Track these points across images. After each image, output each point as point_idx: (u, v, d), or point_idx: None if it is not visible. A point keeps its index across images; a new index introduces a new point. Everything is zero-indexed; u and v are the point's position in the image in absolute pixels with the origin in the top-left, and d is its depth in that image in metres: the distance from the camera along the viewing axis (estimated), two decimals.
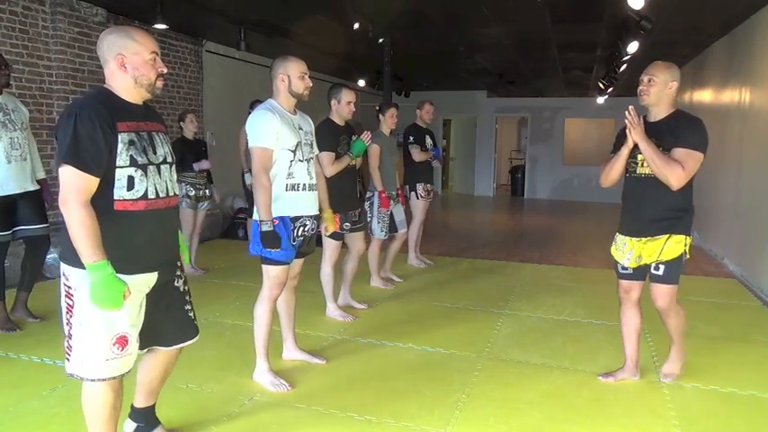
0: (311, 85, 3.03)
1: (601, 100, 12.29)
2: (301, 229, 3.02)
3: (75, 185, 1.87)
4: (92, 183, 1.89)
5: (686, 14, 6.04)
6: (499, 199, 14.52)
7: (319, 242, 3.72)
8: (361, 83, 10.51)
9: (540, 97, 14.03)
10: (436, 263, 6.30)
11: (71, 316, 1.98)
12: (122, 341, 1.99)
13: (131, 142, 1.97)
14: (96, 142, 1.89)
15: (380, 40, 7.37)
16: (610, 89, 9.99)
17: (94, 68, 6.12)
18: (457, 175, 15.93)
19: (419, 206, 5.80)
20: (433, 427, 2.72)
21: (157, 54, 2.06)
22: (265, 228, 2.86)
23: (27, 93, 5.52)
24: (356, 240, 4.34)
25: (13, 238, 3.87)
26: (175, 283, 2.23)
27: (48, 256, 5.33)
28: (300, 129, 3.03)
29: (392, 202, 5.09)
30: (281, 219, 2.94)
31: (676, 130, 2.87)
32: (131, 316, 2.01)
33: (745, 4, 5.66)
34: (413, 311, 4.55)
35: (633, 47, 6.55)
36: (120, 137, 1.94)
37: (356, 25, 6.49)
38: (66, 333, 2.01)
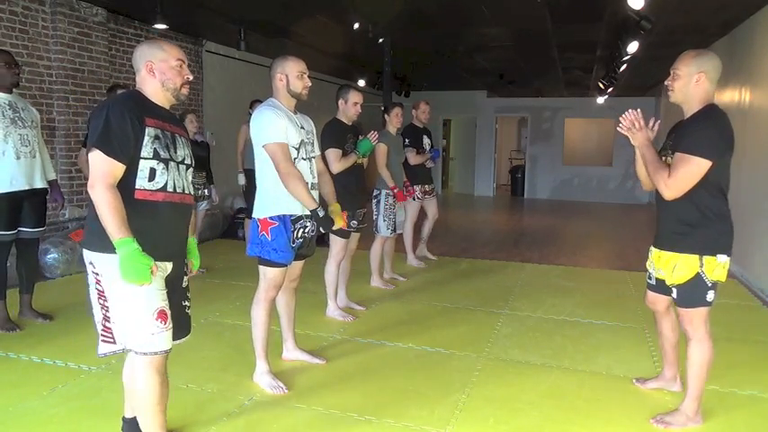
0: (310, 84, 3.02)
1: (601, 100, 12.29)
2: (301, 230, 3.01)
3: (102, 169, 2.00)
4: (118, 169, 2.03)
5: (686, 14, 6.04)
6: (499, 199, 14.52)
7: (320, 242, 3.73)
8: (361, 83, 10.51)
9: (540, 97, 14.04)
10: (436, 263, 6.30)
11: (105, 300, 2.11)
12: (163, 315, 2.12)
13: (156, 137, 2.12)
14: (125, 132, 2.04)
15: (380, 41, 7.37)
16: (610, 89, 9.99)
17: (94, 68, 6.13)
18: (457, 175, 15.94)
19: (413, 207, 5.85)
20: (433, 426, 2.72)
21: (183, 62, 2.23)
22: (321, 213, 2.94)
23: (27, 93, 5.52)
24: (352, 241, 4.35)
25: (16, 237, 3.89)
26: (182, 284, 2.32)
27: (48, 257, 5.36)
28: (302, 128, 3.04)
29: (395, 199, 5.13)
30: (282, 218, 2.93)
31: (686, 131, 2.57)
32: (162, 292, 2.13)
33: (745, 3, 5.66)
34: (413, 311, 4.55)
35: (633, 47, 6.55)
36: (147, 130, 2.09)
37: (356, 25, 6.50)
38: (101, 318, 2.14)
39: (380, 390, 3.12)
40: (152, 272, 2.00)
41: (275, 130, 2.88)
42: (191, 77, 2.25)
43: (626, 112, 2.66)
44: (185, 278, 2.35)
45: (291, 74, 2.97)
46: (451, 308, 4.67)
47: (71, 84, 5.88)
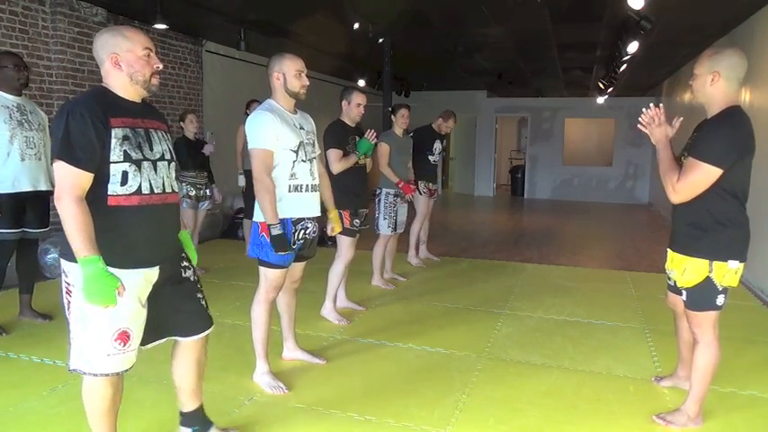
0: (308, 83, 2.98)
1: (601, 100, 12.30)
2: (302, 231, 2.99)
3: (68, 181, 1.88)
4: (85, 178, 1.90)
5: (686, 14, 6.04)
6: (499, 199, 14.52)
7: (320, 243, 3.72)
8: (361, 83, 10.51)
9: (540, 97, 14.05)
10: (438, 262, 6.30)
11: (70, 312, 1.99)
12: (124, 337, 1.99)
13: (125, 137, 1.97)
14: (88, 138, 1.89)
15: (380, 41, 7.38)
16: (610, 89, 9.99)
17: (94, 68, 6.09)
18: (457, 175, 15.93)
19: (422, 202, 5.93)
20: (433, 426, 2.72)
21: (151, 50, 2.05)
22: (275, 231, 2.82)
23: (27, 93, 5.50)
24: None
25: (21, 237, 3.89)
26: (183, 275, 2.22)
27: (48, 257, 5.36)
28: (302, 128, 2.99)
29: (398, 199, 5.15)
30: (283, 221, 2.90)
31: (701, 134, 2.51)
32: (132, 312, 2.00)
33: (745, 3, 5.66)
34: (413, 311, 4.55)
35: (633, 47, 6.55)
36: (113, 132, 1.94)
37: (356, 25, 6.50)
38: (69, 329, 2.02)
39: (381, 390, 3.11)
40: (118, 293, 1.88)
41: (264, 135, 2.84)
42: (160, 66, 2.07)
43: (648, 108, 2.60)
44: (190, 272, 2.25)
45: (289, 72, 2.92)
46: (452, 308, 4.67)
47: (71, 84, 5.88)
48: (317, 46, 7.98)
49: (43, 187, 3.92)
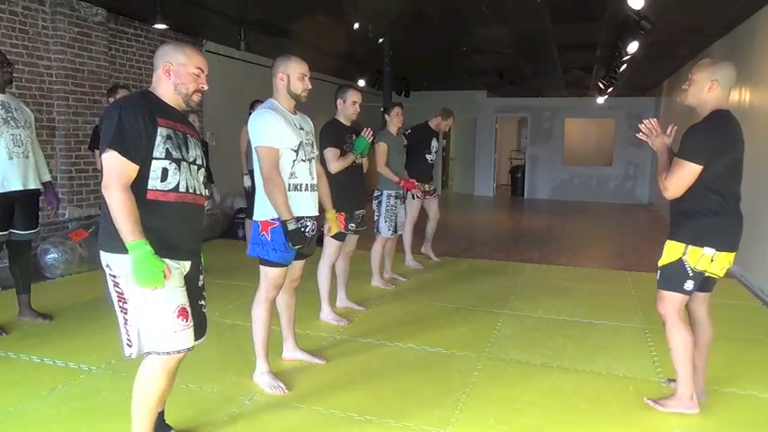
0: (310, 87, 3.01)
1: (601, 100, 12.30)
2: (302, 230, 3.00)
3: (117, 170, 2.00)
4: (132, 169, 2.03)
5: (686, 14, 6.04)
6: (499, 199, 14.53)
7: (318, 242, 3.73)
8: (361, 83, 10.51)
9: (540, 97, 14.05)
10: (438, 262, 6.30)
11: (124, 302, 2.08)
12: (184, 313, 2.12)
13: (168, 137, 2.11)
14: (138, 132, 2.03)
15: (380, 41, 7.38)
16: (610, 89, 10.00)
17: (94, 68, 6.13)
18: (457, 175, 15.93)
19: (414, 206, 5.83)
20: (433, 426, 2.72)
21: (203, 71, 2.23)
22: (291, 226, 2.86)
23: (27, 93, 5.53)
24: (350, 241, 4.35)
25: (7, 239, 3.87)
26: (198, 283, 2.32)
27: (48, 257, 5.36)
28: (301, 129, 3.02)
29: (399, 201, 5.14)
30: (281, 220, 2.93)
31: (685, 135, 2.73)
32: (183, 291, 2.14)
33: (746, 3, 5.66)
34: (413, 311, 4.55)
35: (633, 47, 6.55)
36: (159, 130, 2.09)
37: (356, 25, 6.50)
38: (122, 321, 2.11)
39: (381, 390, 3.11)
40: (164, 275, 2.00)
41: (268, 133, 2.87)
42: (205, 87, 2.24)
43: (645, 121, 2.89)
44: (201, 277, 2.34)
45: (293, 75, 2.95)
46: (452, 308, 4.67)
47: (71, 84, 5.88)
48: (317, 46, 7.98)
49: (32, 186, 3.90)
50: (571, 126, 14.65)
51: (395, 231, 5.16)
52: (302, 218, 2.99)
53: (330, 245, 4.12)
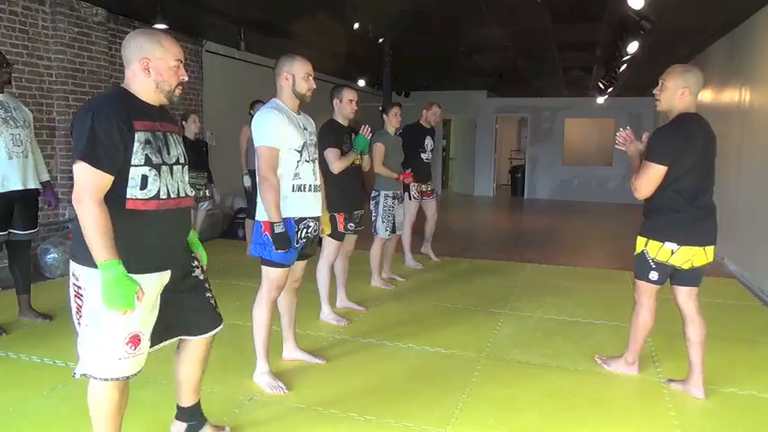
0: (314, 86, 3.01)
1: (601, 100, 12.29)
2: (305, 230, 3.00)
3: (90, 183, 1.85)
4: (106, 180, 1.88)
5: (686, 14, 6.03)
6: (499, 199, 14.53)
7: (319, 242, 3.73)
8: (361, 83, 10.51)
9: (540, 97, 14.04)
10: (438, 262, 6.30)
11: (81, 316, 1.97)
12: (135, 340, 1.98)
13: (147, 141, 1.97)
14: (112, 140, 1.88)
15: (380, 41, 7.38)
16: (610, 89, 9.99)
17: (94, 68, 6.12)
18: (457, 175, 15.94)
19: (411, 207, 5.79)
20: (433, 426, 2.72)
21: (181, 62, 2.07)
22: (278, 229, 2.84)
23: (27, 93, 5.53)
24: (348, 241, 4.35)
25: (7, 239, 3.87)
26: (193, 274, 2.23)
27: (48, 257, 5.36)
28: (305, 129, 3.02)
29: (396, 201, 5.13)
30: (286, 220, 2.91)
31: (651, 138, 2.97)
32: (143, 316, 1.99)
33: (746, 3, 5.66)
34: (413, 311, 4.55)
35: (633, 47, 6.55)
36: (136, 135, 1.94)
37: (356, 25, 6.49)
38: (77, 333, 2.01)
39: (380, 390, 3.11)
40: (137, 297, 1.88)
41: (271, 133, 2.86)
42: (185, 78, 2.09)
43: (619, 131, 3.15)
44: (198, 271, 2.26)
45: (298, 74, 2.94)
46: (451, 308, 4.67)
47: (71, 84, 5.88)
48: (317, 46, 7.98)
49: (32, 185, 3.90)
50: (571, 126, 14.65)
51: (392, 232, 5.14)
52: (304, 218, 3.00)
53: (329, 245, 4.12)
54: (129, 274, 1.88)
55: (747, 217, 5.87)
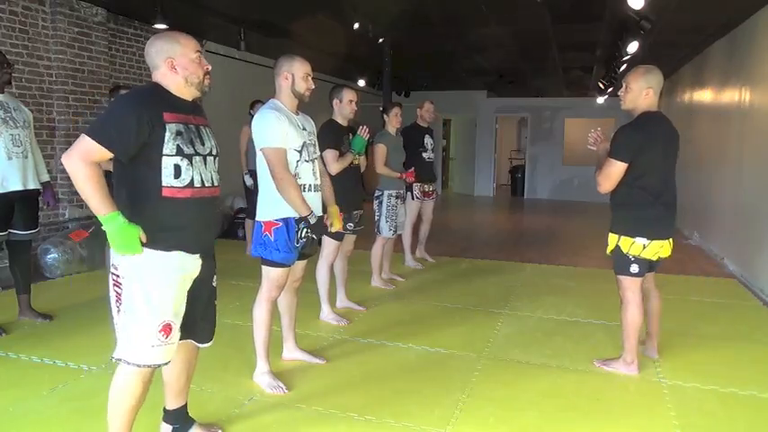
0: (313, 86, 3.01)
1: (601, 100, 12.29)
2: (305, 230, 3.00)
3: (83, 146, 1.96)
4: (100, 152, 1.97)
5: (686, 14, 6.02)
6: (499, 199, 14.52)
7: (318, 242, 3.73)
8: (361, 83, 10.52)
9: (540, 97, 14.03)
10: (436, 263, 6.30)
11: (120, 303, 2.07)
12: (167, 329, 2.09)
13: (179, 133, 2.07)
14: (125, 123, 1.98)
15: (380, 41, 7.38)
16: (610, 89, 9.99)
17: (94, 68, 6.12)
18: (457, 175, 15.94)
19: (413, 207, 5.78)
20: (433, 426, 2.71)
21: (201, 53, 2.19)
22: (313, 220, 2.91)
23: (27, 92, 5.53)
24: (348, 241, 4.35)
25: (6, 239, 3.87)
26: (213, 282, 2.34)
27: (48, 257, 5.36)
28: (304, 129, 3.02)
29: (399, 201, 5.14)
30: (285, 220, 2.91)
31: (613, 136, 3.09)
32: (176, 304, 2.11)
33: (746, 3, 5.65)
34: (413, 311, 4.55)
35: (633, 47, 6.55)
36: (167, 127, 2.04)
37: (356, 25, 6.49)
38: (115, 321, 2.11)
39: (380, 390, 3.12)
40: (140, 241, 2.00)
41: (273, 134, 2.86)
42: (209, 67, 2.21)
43: (591, 132, 3.34)
44: (215, 279, 2.35)
45: (297, 74, 2.95)
46: (451, 308, 4.67)
47: (71, 84, 5.88)
48: (317, 46, 7.98)
49: (32, 185, 3.90)
50: (571, 126, 14.64)
51: (395, 231, 5.16)
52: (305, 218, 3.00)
53: (328, 245, 4.12)
54: (160, 252, 2.04)
55: (747, 217, 5.87)
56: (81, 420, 2.72)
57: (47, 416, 2.77)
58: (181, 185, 2.08)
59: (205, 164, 2.16)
